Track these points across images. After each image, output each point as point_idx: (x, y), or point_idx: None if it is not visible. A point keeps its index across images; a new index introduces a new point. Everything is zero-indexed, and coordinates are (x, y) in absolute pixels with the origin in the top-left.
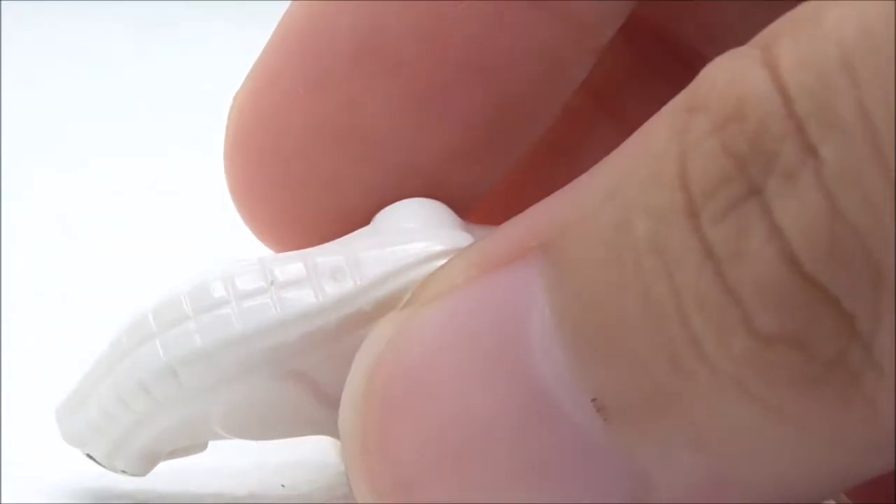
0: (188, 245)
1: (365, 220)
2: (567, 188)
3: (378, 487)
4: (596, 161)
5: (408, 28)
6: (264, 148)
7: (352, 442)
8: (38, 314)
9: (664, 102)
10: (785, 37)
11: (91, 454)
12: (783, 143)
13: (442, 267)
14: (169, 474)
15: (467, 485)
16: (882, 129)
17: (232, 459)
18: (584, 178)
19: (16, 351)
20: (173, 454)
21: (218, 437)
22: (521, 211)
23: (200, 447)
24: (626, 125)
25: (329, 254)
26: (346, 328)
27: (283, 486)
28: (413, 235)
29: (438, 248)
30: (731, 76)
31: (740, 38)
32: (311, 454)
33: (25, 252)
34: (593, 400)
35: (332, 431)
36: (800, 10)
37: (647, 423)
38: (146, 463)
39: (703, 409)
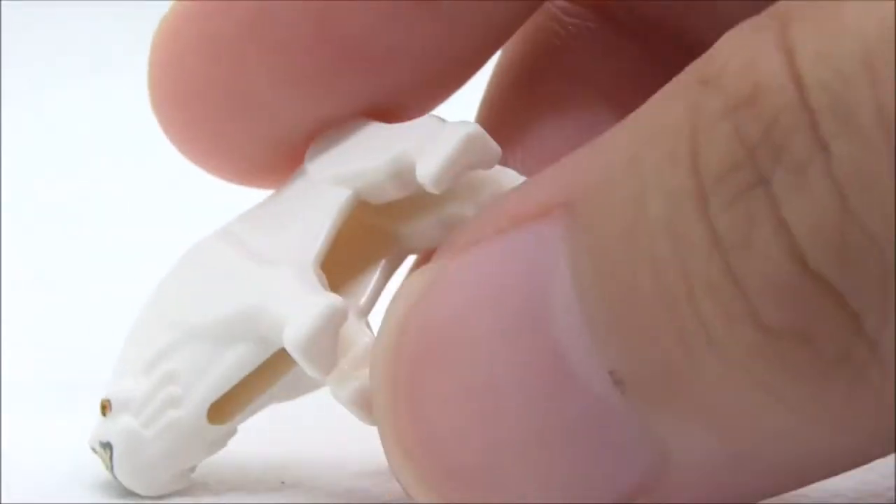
0: (188, 242)
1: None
2: (595, 143)
3: (404, 441)
4: None
5: (297, 13)
6: (178, 89)
7: (383, 394)
8: (38, 314)
9: None
10: (804, 21)
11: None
12: (795, 135)
13: (476, 216)
14: None
15: (490, 445)
16: None
17: (232, 454)
18: (609, 135)
19: (16, 350)
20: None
21: None
22: None
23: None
24: None
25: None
26: None
27: (282, 482)
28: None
29: None
30: (747, 58)
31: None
32: (313, 451)
33: (25, 251)
34: (611, 372)
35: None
36: None
37: (662, 400)
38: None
39: (714, 391)
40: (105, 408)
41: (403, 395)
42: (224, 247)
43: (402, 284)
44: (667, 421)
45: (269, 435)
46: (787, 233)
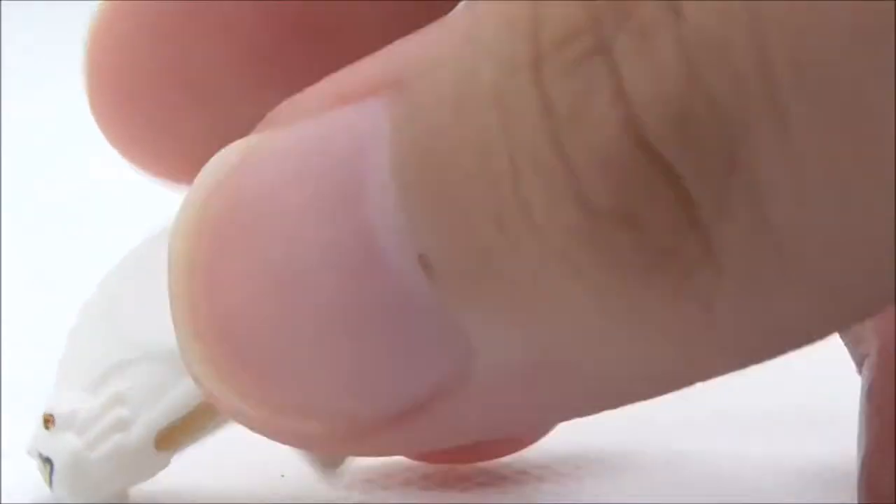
0: None
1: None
2: (432, 25)
3: (198, 319)
4: None
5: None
6: (115, 79)
7: (178, 271)
8: (38, 314)
9: None
10: None
11: None
12: None
13: (299, 94)
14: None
15: (285, 323)
16: None
17: (232, 447)
18: (448, 16)
19: (16, 350)
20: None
21: None
22: None
23: None
24: None
25: None
26: None
27: (282, 475)
28: None
29: None
30: None
31: None
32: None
33: (25, 251)
34: (420, 256)
35: None
36: None
37: (470, 288)
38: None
39: (527, 279)
40: (48, 422)
41: (200, 271)
42: None
43: (213, 158)
44: (475, 315)
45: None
46: (624, 102)
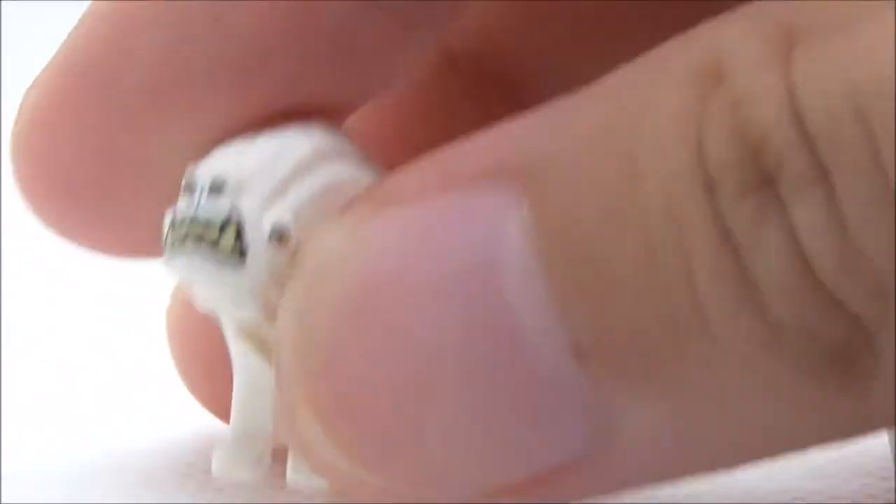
0: None
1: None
2: (546, 111)
3: (322, 410)
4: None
5: (207, 67)
6: (49, 152)
7: (293, 358)
8: (38, 314)
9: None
10: (813, 44)
11: None
12: (795, 154)
13: (404, 171)
14: (170, 467)
15: (420, 400)
16: (891, 171)
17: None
18: (566, 104)
19: (16, 350)
20: None
21: None
22: None
23: None
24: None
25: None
26: None
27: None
28: None
29: None
30: (750, 64)
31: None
32: None
33: (25, 250)
34: (574, 342)
35: None
36: (835, 6)
37: (632, 377)
38: None
39: (697, 374)
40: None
41: (321, 358)
42: None
43: (314, 238)
44: (628, 395)
45: None
46: (795, 240)
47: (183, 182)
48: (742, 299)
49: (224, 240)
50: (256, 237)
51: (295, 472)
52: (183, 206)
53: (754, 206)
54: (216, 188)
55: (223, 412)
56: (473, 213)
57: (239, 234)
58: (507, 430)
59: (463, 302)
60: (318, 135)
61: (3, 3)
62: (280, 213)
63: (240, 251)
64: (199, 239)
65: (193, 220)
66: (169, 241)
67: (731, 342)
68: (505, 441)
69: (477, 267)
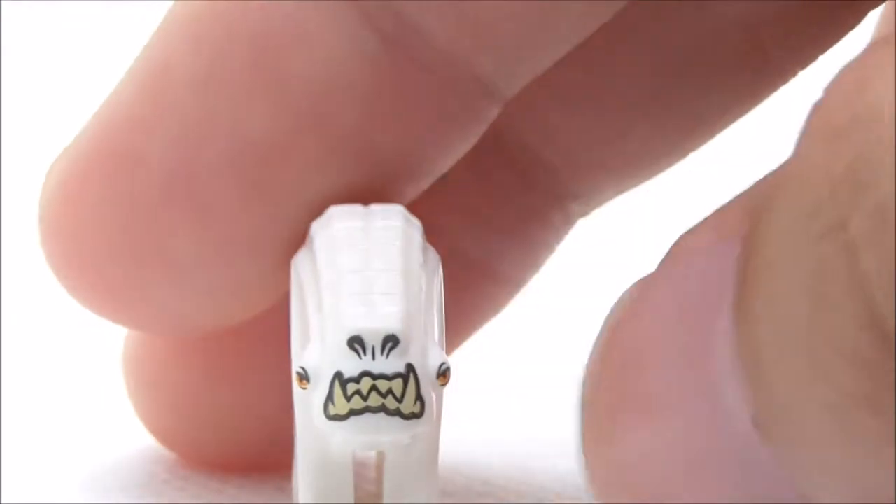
0: None
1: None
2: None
3: (599, 465)
4: None
5: (221, 169)
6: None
7: (587, 416)
8: (38, 314)
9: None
10: None
11: None
12: (879, 172)
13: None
14: (171, 468)
15: (666, 473)
16: None
17: None
18: (790, 157)
19: (16, 350)
20: None
21: None
22: None
23: None
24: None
25: None
26: None
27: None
28: None
29: None
30: (856, 79)
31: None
32: None
33: (25, 250)
34: (752, 416)
35: None
36: None
37: (794, 451)
38: None
39: (830, 445)
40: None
41: (602, 417)
42: None
43: (625, 290)
44: (804, 474)
45: None
46: (861, 286)
47: (347, 338)
48: (817, 366)
49: (407, 395)
50: (426, 382)
51: None
52: (353, 362)
53: (820, 257)
54: (390, 342)
55: (168, 439)
56: (702, 270)
57: (417, 384)
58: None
59: (686, 365)
60: (419, 238)
61: (2, 3)
62: (439, 353)
63: (420, 400)
64: (382, 395)
65: (374, 377)
66: (343, 398)
67: (821, 412)
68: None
69: (697, 331)
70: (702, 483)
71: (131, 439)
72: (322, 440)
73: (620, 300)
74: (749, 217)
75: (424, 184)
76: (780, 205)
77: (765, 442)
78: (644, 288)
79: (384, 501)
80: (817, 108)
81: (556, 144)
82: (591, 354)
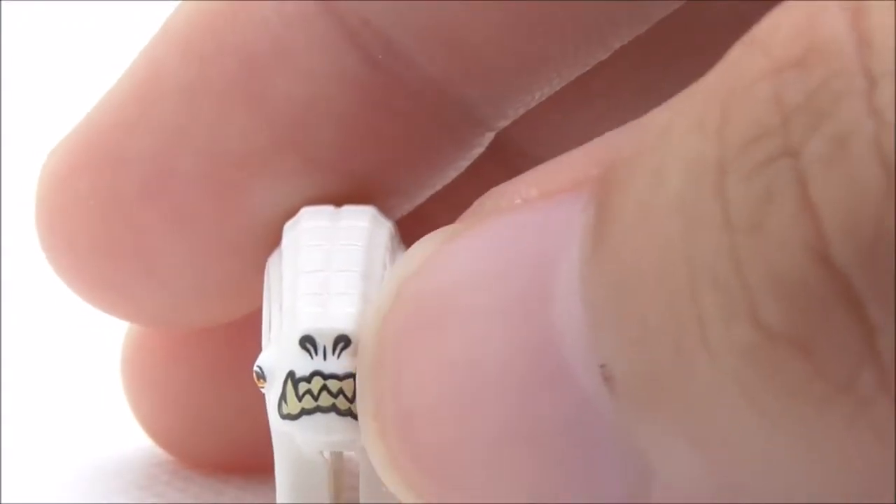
0: None
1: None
2: (637, 122)
3: (382, 412)
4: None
5: (197, 174)
6: (70, 245)
7: (367, 364)
8: (38, 314)
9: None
10: None
11: None
12: (843, 101)
13: (506, 183)
14: (171, 468)
15: (464, 428)
16: None
17: None
18: (651, 113)
19: (16, 350)
20: None
21: None
22: None
23: None
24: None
25: None
26: None
27: None
28: None
29: None
30: (804, 17)
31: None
32: None
33: (25, 250)
34: (602, 366)
35: None
36: None
37: (648, 404)
38: None
39: (702, 401)
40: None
41: (387, 368)
42: None
43: (410, 249)
44: (652, 433)
45: None
46: (810, 216)
47: (299, 338)
48: (736, 304)
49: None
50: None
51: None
52: (305, 362)
53: (763, 184)
54: (341, 342)
55: (167, 443)
56: (535, 229)
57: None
58: (548, 469)
59: (509, 325)
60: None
61: (2, 3)
62: None
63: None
64: (333, 395)
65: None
66: (295, 398)
67: (727, 358)
68: (547, 482)
69: (527, 287)
70: (532, 451)
71: (132, 441)
72: (292, 439)
73: (411, 255)
74: (602, 163)
75: (409, 202)
76: (672, 136)
77: (616, 397)
78: (451, 243)
79: (360, 501)
80: (749, 45)
81: (550, 143)
82: (378, 307)
